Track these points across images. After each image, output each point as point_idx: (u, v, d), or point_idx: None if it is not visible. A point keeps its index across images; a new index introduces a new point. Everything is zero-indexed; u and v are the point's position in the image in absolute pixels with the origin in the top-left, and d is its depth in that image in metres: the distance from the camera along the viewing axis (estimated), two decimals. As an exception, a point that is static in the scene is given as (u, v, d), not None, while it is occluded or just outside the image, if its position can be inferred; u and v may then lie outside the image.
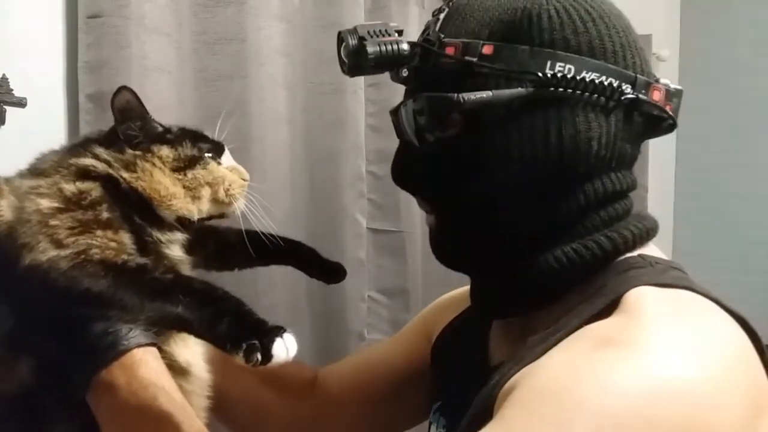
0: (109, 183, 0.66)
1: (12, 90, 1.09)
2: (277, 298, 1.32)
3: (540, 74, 0.62)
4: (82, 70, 1.12)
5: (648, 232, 0.69)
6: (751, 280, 2.49)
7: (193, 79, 1.25)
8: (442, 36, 0.66)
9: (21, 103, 1.10)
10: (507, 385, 0.60)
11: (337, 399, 0.95)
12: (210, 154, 0.72)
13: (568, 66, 0.63)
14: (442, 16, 0.69)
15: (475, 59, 0.64)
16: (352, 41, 0.66)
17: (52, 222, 0.62)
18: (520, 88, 0.63)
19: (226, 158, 0.74)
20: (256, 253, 0.78)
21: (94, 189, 0.65)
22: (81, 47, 1.12)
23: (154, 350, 0.64)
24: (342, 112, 1.43)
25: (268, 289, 1.32)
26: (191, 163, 0.69)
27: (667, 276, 0.64)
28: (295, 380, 0.95)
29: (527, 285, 0.68)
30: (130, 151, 0.68)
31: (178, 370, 0.66)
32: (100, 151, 0.68)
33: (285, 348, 0.59)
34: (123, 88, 0.69)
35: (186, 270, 0.71)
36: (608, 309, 0.61)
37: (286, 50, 1.35)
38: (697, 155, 2.64)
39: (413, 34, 1.73)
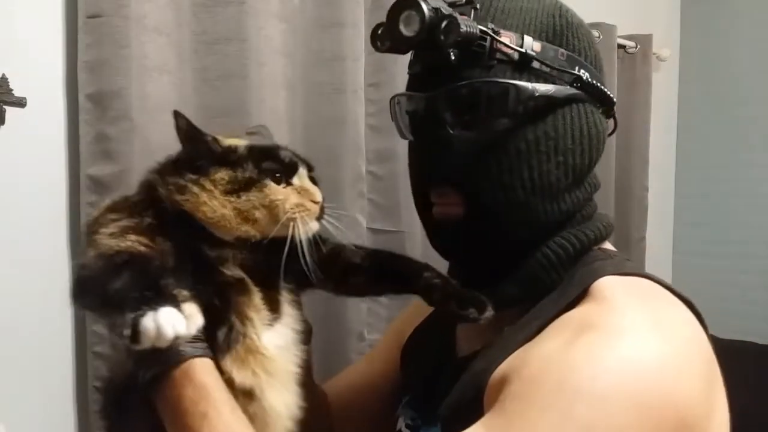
0: (157, 198, 0.69)
1: (12, 90, 1.09)
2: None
3: (576, 75, 0.69)
4: (82, 70, 1.12)
5: (612, 228, 0.77)
6: (751, 280, 2.49)
7: (193, 79, 1.25)
8: (493, 27, 0.67)
9: (21, 103, 1.10)
10: (497, 373, 0.63)
11: (339, 418, 0.95)
12: (278, 175, 0.70)
13: (586, 73, 0.70)
14: (473, 11, 0.69)
15: (533, 53, 0.68)
16: (429, 11, 0.65)
17: (102, 229, 0.66)
18: (567, 86, 0.69)
19: (299, 178, 0.71)
20: (373, 279, 0.75)
21: (145, 200, 0.69)
22: (81, 47, 1.12)
23: (208, 362, 0.64)
24: (342, 112, 1.42)
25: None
26: (246, 185, 0.67)
27: (626, 266, 0.71)
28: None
29: (531, 274, 0.71)
30: (189, 174, 0.68)
31: (240, 391, 0.65)
32: (169, 171, 0.70)
33: (154, 324, 0.53)
34: (177, 114, 0.69)
35: (243, 287, 0.68)
36: (578, 297, 0.67)
37: (286, 50, 1.35)
38: (697, 155, 2.64)
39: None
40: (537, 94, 0.67)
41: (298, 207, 0.68)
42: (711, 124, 2.60)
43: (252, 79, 1.28)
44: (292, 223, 0.67)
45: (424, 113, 0.71)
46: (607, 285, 0.66)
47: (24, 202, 1.11)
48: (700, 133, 2.63)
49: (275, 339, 0.69)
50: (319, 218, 0.70)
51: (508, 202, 0.69)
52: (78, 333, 1.17)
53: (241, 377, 0.65)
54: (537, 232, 0.71)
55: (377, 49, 0.73)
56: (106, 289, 0.59)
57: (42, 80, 1.13)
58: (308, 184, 0.71)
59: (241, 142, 0.72)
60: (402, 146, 1.54)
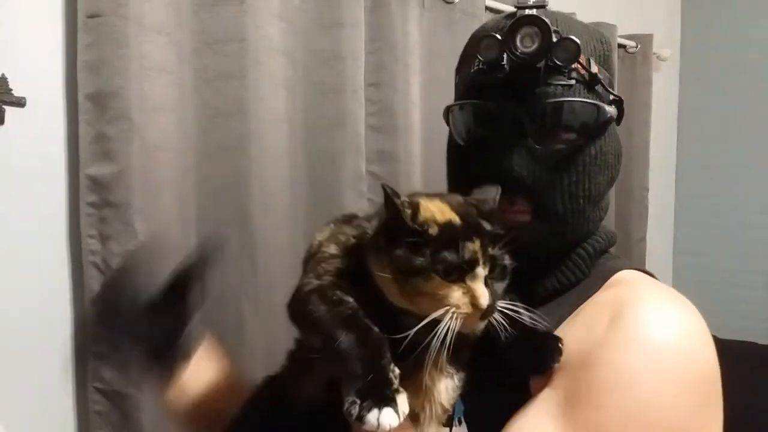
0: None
1: (11, 90, 1.09)
2: (277, 299, 1.31)
3: (617, 98, 0.75)
4: (82, 70, 1.12)
5: (615, 235, 0.83)
6: (751, 280, 2.49)
7: (193, 78, 1.25)
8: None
9: (20, 103, 1.10)
10: None
11: None
12: (452, 270, 0.67)
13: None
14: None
15: (599, 75, 0.73)
16: (554, 32, 0.68)
17: (323, 264, 0.74)
18: (612, 107, 0.75)
19: (472, 279, 0.68)
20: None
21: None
22: (80, 47, 1.12)
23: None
24: (342, 112, 1.42)
25: (268, 288, 1.32)
26: (415, 272, 0.67)
27: (630, 265, 0.78)
28: None
29: (567, 271, 0.76)
30: (382, 240, 0.70)
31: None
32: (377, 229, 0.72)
33: (376, 422, 0.61)
34: (384, 186, 0.68)
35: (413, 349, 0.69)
36: (597, 289, 0.74)
37: (286, 49, 1.35)
38: (697, 155, 2.64)
39: (413, 33, 1.72)
40: (608, 115, 0.74)
41: (455, 306, 0.67)
42: (711, 124, 2.61)
43: (251, 78, 1.28)
44: (441, 320, 0.67)
45: (507, 124, 0.72)
46: (626, 276, 0.75)
47: (24, 202, 1.11)
48: (700, 133, 2.63)
49: (452, 389, 0.72)
50: (483, 318, 0.68)
51: (572, 211, 0.74)
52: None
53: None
54: (581, 237, 0.77)
55: (477, 58, 0.73)
56: (329, 342, 0.66)
57: (42, 80, 1.13)
58: (477, 287, 0.68)
59: (442, 215, 0.70)
60: (402, 146, 1.55)
